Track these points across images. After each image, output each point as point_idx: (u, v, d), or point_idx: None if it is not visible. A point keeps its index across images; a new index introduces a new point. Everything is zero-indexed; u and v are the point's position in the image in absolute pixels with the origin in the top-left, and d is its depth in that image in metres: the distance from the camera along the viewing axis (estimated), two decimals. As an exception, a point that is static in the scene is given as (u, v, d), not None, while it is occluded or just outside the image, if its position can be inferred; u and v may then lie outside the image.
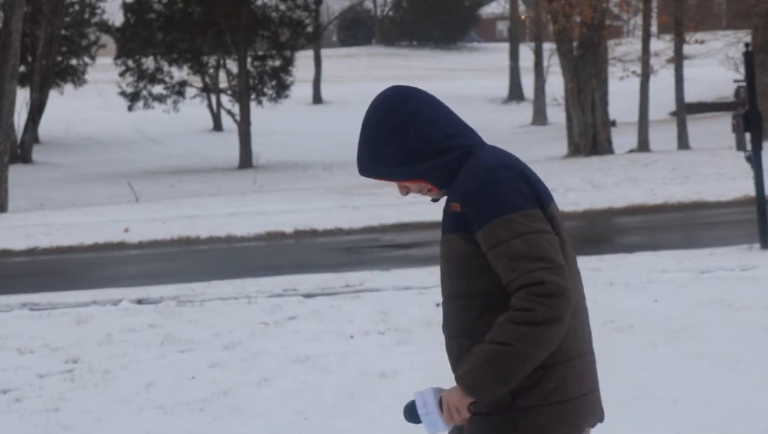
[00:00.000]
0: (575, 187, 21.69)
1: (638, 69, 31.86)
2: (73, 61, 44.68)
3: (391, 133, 2.89)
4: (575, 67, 29.98)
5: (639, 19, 39.33)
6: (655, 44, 34.49)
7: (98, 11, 44.49)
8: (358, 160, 2.99)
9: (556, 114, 45.20)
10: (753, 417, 5.72)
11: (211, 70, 40.33)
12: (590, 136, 30.19)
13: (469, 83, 61.16)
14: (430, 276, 11.00)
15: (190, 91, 39.92)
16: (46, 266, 15.33)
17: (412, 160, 2.89)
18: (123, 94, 38.98)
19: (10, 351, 8.34)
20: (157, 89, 38.66)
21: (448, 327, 2.95)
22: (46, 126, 42.42)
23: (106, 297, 11.12)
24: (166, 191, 28.12)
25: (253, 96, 37.49)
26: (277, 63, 38.35)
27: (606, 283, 10.16)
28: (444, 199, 3.01)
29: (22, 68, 34.09)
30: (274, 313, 9.50)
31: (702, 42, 35.60)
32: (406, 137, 2.88)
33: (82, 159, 38.29)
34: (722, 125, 32.13)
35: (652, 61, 32.33)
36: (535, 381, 2.80)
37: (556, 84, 46.09)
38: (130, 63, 38.44)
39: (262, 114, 41.45)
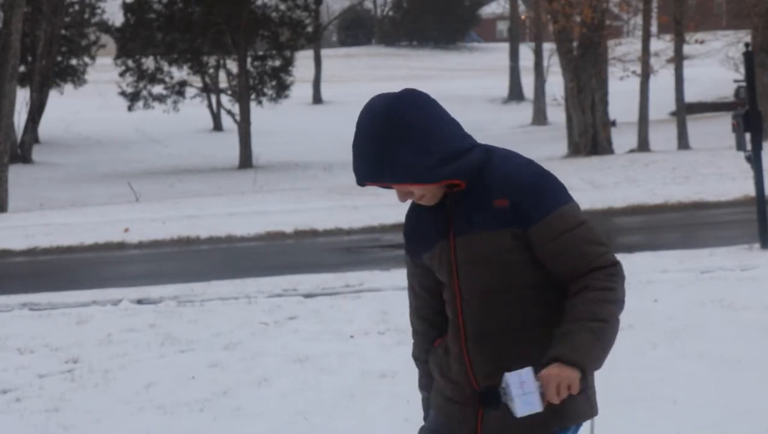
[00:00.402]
0: (575, 186, 21.64)
1: (638, 69, 31.83)
2: (73, 61, 44.69)
3: (427, 137, 2.90)
4: (575, 67, 29.96)
5: (639, 19, 39.30)
6: (655, 44, 34.46)
7: (98, 11, 44.50)
8: (367, 167, 2.93)
9: (556, 114, 45.17)
10: (753, 417, 5.71)
11: (211, 70, 40.35)
12: (590, 136, 30.17)
13: (469, 83, 61.17)
14: (430, 277, 10.97)
15: (190, 91, 39.93)
16: (46, 266, 15.33)
17: (448, 161, 2.91)
18: (123, 94, 39.00)
19: (10, 351, 8.33)
20: (157, 89, 38.67)
21: (492, 321, 2.97)
22: (46, 126, 42.41)
23: (106, 297, 11.11)
24: (166, 191, 28.11)
25: (253, 96, 37.48)
26: (277, 63, 38.35)
27: (606, 283, 10.13)
28: (446, 203, 3.04)
29: (22, 68, 34.07)
30: (274, 313, 9.49)
31: (702, 42, 35.57)
32: (442, 138, 2.91)
33: (82, 159, 38.29)
34: (722, 125, 32.08)
35: (652, 61, 32.31)
36: None
37: (556, 84, 46.05)
38: (130, 63, 38.46)
39: (262, 114, 41.43)
